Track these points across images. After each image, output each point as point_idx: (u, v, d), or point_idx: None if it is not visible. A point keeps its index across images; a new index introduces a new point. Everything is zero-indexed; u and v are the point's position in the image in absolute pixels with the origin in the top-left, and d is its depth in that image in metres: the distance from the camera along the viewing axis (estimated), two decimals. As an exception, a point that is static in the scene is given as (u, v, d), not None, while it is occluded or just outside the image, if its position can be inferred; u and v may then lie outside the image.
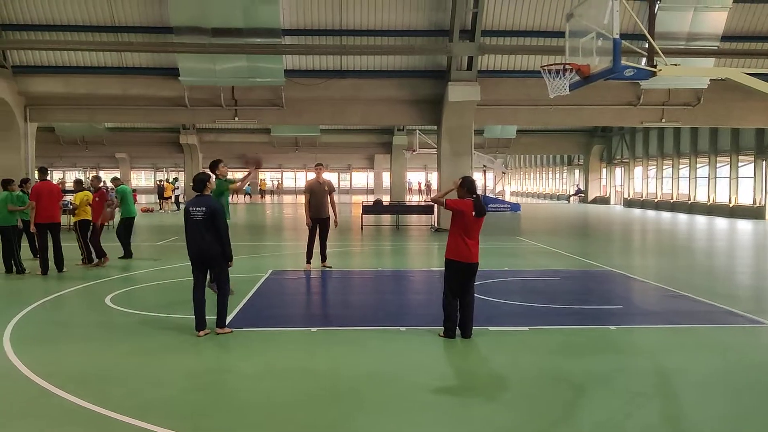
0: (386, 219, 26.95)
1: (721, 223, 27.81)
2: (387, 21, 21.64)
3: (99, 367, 6.73)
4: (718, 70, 12.60)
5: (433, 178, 66.09)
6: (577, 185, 52.29)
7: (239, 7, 20.53)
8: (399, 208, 27.31)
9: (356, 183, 70.15)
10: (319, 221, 13.41)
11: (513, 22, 21.71)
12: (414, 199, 50.55)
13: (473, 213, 7.82)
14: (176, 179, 43.04)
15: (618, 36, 9.92)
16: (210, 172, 9.48)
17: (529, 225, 27.33)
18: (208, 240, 7.75)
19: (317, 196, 13.33)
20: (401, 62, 22.78)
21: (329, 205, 13.52)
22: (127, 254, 15.08)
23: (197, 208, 7.80)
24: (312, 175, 14.11)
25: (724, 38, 21.50)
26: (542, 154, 57.33)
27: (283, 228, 25.10)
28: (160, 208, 35.14)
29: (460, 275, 7.90)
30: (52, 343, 7.69)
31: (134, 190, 40.17)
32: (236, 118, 23.64)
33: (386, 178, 60.62)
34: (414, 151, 34.61)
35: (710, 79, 22.53)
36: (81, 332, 8.22)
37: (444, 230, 22.62)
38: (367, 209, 24.31)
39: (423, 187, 59.73)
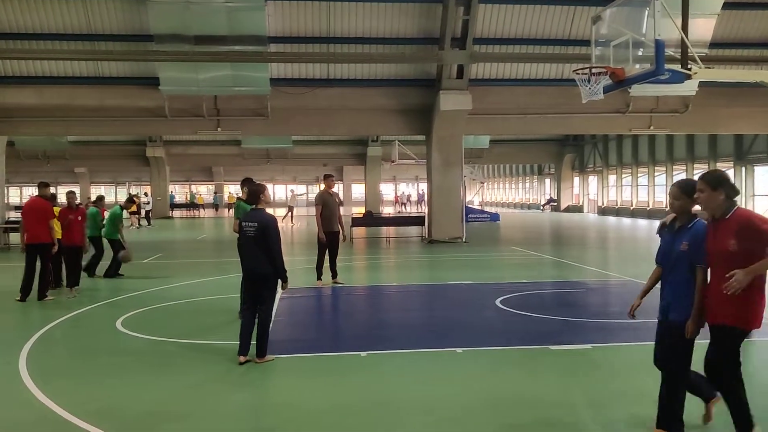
0: (370, 231, 26.26)
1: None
2: (376, 28, 21.11)
3: (150, 403, 5.93)
4: (752, 74, 12.40)
5: (406, 188, 65.79)
6: (549, 194, 52.50)
7: (223, 14, 19.74)
8: (391, 220, 26.66)
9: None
10: (330, 235, 12.73)
11: (504, 29, 21.39)
12: (386, 210, 49.98)
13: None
14: (145, 194, 41.60)
15: (660, 37, 9.57)
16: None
17: (516, 234, 27.01)
18: (260, 258, 7.06)
19: (330, 208, 12.69)
20: (390, 70, 22.26)
21: (339, 217, 12.92)
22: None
23: (250, 223, 7.12)
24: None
25: (713, 45, 21.53)
26: (514, 163, 57.39)
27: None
28: (131, 224, 33.84)
29: None
30: (81, 377, 6.82)
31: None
32: (219, 129, 22.79)
33: (355, 189, 60.05)
34: (393, 161, 34.05)
35: (698, 86, 22.54)
36: (107, 363, 7.35)
37: (437, 241, 22.15)
38: (357, 221, 23.59)
39: (405, 199, 59.41)
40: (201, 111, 22.12)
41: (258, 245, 7.09)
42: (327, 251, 12.82)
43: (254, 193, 7.37)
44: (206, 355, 7.66)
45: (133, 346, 8.13)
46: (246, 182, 9.76)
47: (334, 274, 13.00)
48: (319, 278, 12.82)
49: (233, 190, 66.53)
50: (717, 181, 4.51)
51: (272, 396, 6.33)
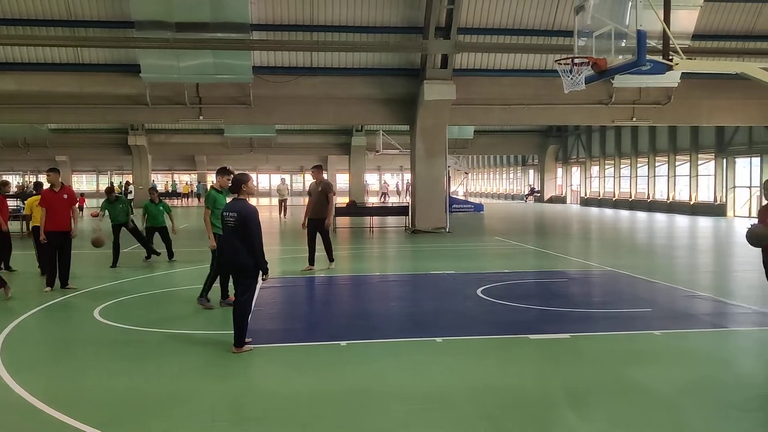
0: (354, 221, 26.22)
1: (686, 220, 28.13)
2: (360, 17, 20.98)
3: (125, 393, 5.85)
4: (733, 65, 12.43)
5: (388, 179, 65.71)
6: (531, 185, 52.68)
7: (206, 1, 19.52)
8: (374, 210, 26.61)
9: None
10: (314, 222, 13.21)
11: (489, 19, 21.34)
12: (371, 200, 49.90)
13: None
14: (128, 183, 41.15)
15: (642, 28, 9.58)
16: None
17: (500, 225, 27.07)
18: (239, 249, 6.95)
19: (313, 197, 13.26)
20: (374, 60, 22.16)
21: (327, 205, 13.11)
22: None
23: (230, 213, 7.01)
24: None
25: (696, 37, 21.62)
26: (498, 154, 57.48)
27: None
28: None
29: None
30: (55, 367, 6.75)
31: (82, 194, 38.28)
32: (201, 117, 22.58)
33: (340, 179, 59.86)
34: (377, 151, 33.97)
35: (681, 77, 22.63)
36: (83, 353, 7.28)
37: (421, 231, 22.11)
38: (340, 211, 23.52)
39: (390, 188, 59.23)
40: (183, 99, 21.90)
41: (238, 236, 6.99)
42: (314, 238, 13.31)
43: (237, 182, 7.20)
44: (184, 344, 7.60)
45: (109, 336, 8.03)
46: (221, 171, 9.65)
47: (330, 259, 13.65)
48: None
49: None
50: None
51: (252, 386, 6.27)
